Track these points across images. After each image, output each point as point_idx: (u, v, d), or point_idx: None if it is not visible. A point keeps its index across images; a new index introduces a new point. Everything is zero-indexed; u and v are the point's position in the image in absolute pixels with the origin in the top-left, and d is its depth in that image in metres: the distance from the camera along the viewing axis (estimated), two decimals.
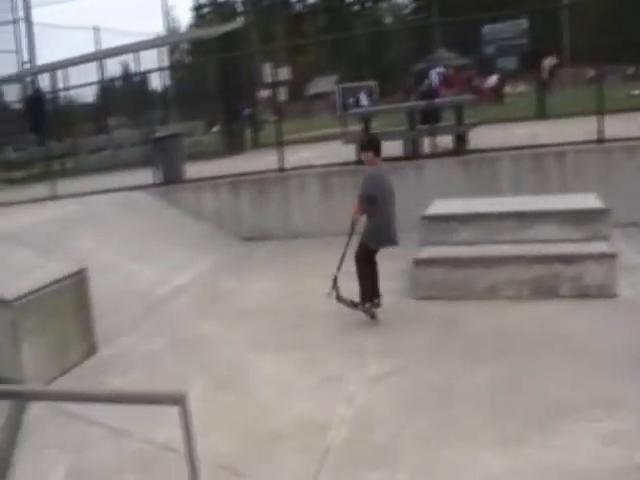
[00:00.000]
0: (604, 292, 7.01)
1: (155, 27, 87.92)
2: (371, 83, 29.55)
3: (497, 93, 26.44)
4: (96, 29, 26.65)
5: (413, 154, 11.90)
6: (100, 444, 4.89)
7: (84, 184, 13.94)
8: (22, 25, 26.32)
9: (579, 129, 11.07)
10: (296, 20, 49.57)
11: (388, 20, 54.46)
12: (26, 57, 26.14)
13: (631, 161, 10.22)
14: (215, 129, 20.97)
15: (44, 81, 22.57)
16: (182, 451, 2.98)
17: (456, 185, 10.56)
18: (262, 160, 13.22)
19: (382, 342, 6.42)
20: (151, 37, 25.41)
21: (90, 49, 24.91)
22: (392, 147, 11.94)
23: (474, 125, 12.14)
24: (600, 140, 10.52)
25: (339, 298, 7.11)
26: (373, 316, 7.08)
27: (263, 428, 4.94)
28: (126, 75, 25.20)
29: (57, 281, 6.57)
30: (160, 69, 21.70)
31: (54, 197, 13.32)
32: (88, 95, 24.27)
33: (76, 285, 6.82)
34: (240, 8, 50.96)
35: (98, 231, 9.80)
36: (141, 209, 11.64)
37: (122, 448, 4.80)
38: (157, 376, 6.01)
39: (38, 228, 8.98)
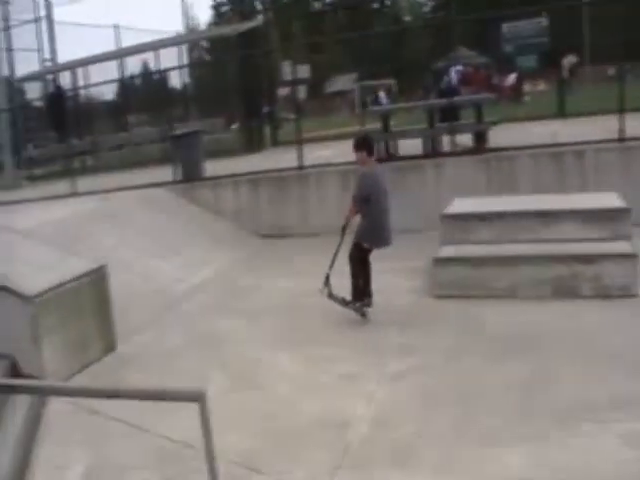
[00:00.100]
0: (625, 292, 6.96)
1: (175, 25, 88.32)
2: (390, 81, 29.49)
3: (516, 91, 26.28)
4: (116, 27, 26.71)
5: (432, 152, 11.87)
6: (119, 440, 4.92)
7: (104, 181, 14.02)
8: (43, 24, 26.47)
9: (599, 128, 11.00)
10: (315, 18, 49.62)
11: (407, 18, 54.37)
12: (47, 55, 26.26)
13: None
14: (234, 127, 21.00)
15: (65, 79, 22.74)
16: (200, 448, 3.00)
17: (475, 183, 10.52)
18: (281, 158, 13.23)
19: (401, 341, 6.41)
20: (171, 35, 25.44)
21: (110, 47, 25.00)
22: (411, 145, 11.94)
23: (494, 123, 12.09)
24: (621, 139, 10.43)
25: (331, 296, 7.17)
26: (364, 315, 7.12)
27: (281, 425, 4.95)
28: (146, 73, 25.33)
29: (77, 278, 6.60)
30: (180, 67, 21.77)
31: (74, 194, 13.40)
32: (108, 93, 24.44)
33: (96, 282, 6.85)
34: (259, 6, 51.05)
35: (118, 228, 9.86)
36: (161, 206, 11.69)
37: (141, 444, 4.83)
38: (175, 373, 6.03)
39: (58, 225, 9.04)
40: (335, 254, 7.13)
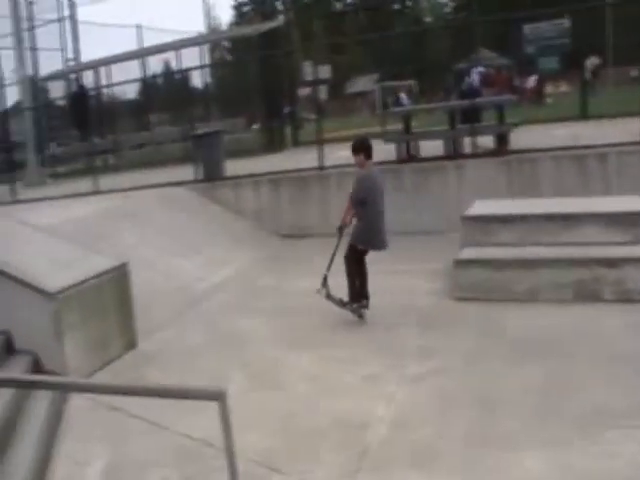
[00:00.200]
0: None
1: (196, 25, 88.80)
2: (411, 82, 29.41)
3: (537, 93, 26.12)
4: (138, 27, 26.85)
5: (454, 154, 11.83)
6: (139, 437, 4.95)
7: (126, 179, 14.12)
8: (67, 23, 26.70)
9: (622, 130, 10.90)
10: (336, 19, 49.60)
11: (428, 19, 54.22)
12: (70, 54, 26.48)
13: None
14: (255, 127, 21.04)
15: (88, 78, 22.89)
16: (220, 446, 3.01)
17: (497, 185, 10.48)
18: (302, 158, 13.24)
19: (421, 343, 6.40)
20: (192, 35, 25.52)
21: (132, 47, 25.14)
22: (433, 146, 11.90)
23: (515, 125, 12.02)
24: None
25: (329, 297, 7.23)
26: (361, 316, 7.17)
27: (301, 425, 4.96)
28: (167, 72, 25.43)
29: (99, 275, 6.66)
30: (201, 67, 21.82)
31: (96, 192, 13.49)
32: (130, 92, 24.58)
33: (117, 279, 6.90)
34: (280, 6, 51.09)
35: (139, 226, 9.92)
36: (182, 205, 11.75)
37: (161, 442, 4.85)
38: (195, 371, 6.06)
39: (80, 223, 9.11)
40: (333, 255, 7.22)
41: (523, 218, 8.03)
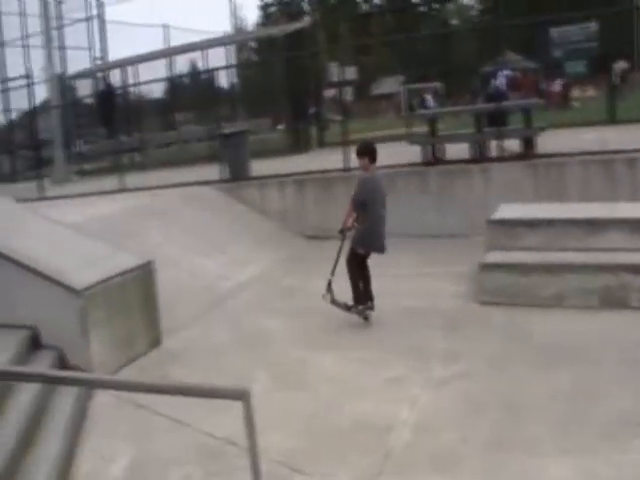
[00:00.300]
0: None
1: (223, 25, 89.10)
2: (437, 84, 29.31)
3: (564, 97, 25.91)
4: (165, 27, 27.06)
5: (480, 157, 11.77)
6: (163, 435, 4.98)
7: (152, 178, 14.21)
8: (95, 22, 26.99)
9: None
10: (362, 20, 49.53)
11: (455, 21, 53.98)
12: (98, 53, 26.76)
13: None
14: (280, 127, 21.08)
15: (115, 77, 23.10)
16: (243, 445, 3.02)
17: (523, 189, 10.42)
18: (327, 159, 13.23)
19: (446, 346, 6.37)
20: (218, 35, 25.64)
21: (159, 46, 25.32)
22: (459, 149, 11.85)
23: (542, 129, 11.92)
24: None
25: (333, 301, 7.26)
26: (366, 318, 7.19)
27: (324, 426, 4.96)
28: (194, 72, 25.58)
29: (124, 272, 6.70)
30: (227, 67, 21.93)
31: (122, 190, 13.61)
32: (157, 91, 24.77)
33: (143, 277, 6.95)
34: (306, 7, 51.15)
35: (165, 224, 9.98)
36: (207, 204, 11.80)
37: (184, 440, 4.88)
38: (219, 370, 6.08)
39: (107, 220, 9.19)
40: (336, 259, 7.28)
41: (549, 222, 7.96)
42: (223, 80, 22.75)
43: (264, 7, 61.56)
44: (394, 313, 7.27)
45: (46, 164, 18.64)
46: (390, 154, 13.20)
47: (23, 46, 25.85)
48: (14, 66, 24.20)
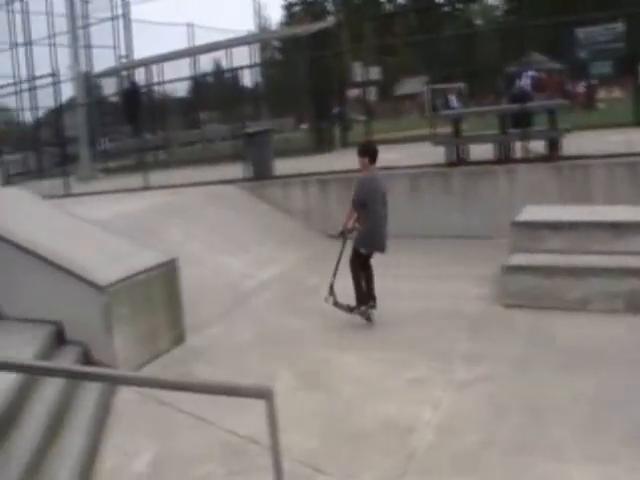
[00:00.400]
0: None
1: (247, 24, 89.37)
2: (461, 84, 29.20)
3: (589, 98, 25.68)
4: (190, 25, 27.23)
5: (504, 158, 11.70)
6: (186, 432, 5.00)
7: (176, 176, 14.28)
8: (120, 22, 27.23)
9: None
10: (386, 20, 49.43)
11: (479, 22, 53.70)
12: (123, 52, 26.98)
13: None
14: (304, 126, 21.09)
15: (140, 75, 23.25)
16: (265, 444, 3.02)
17: (547, 191, 10.34)
18: (350, 159, 13.12)
19: (469, 348, 6.34)
20: (242, 34, 25.73)
21: (184, 45, 25.48)
22: (483, 150, 11.78)
23: (568, 130, 11.83)
24: None
25: (336, 304, 7.30)
26: (369, 319, 7.22)
27: (346, 427, 4.95)
28: (218, 71, 25.67)
29: (149, 270, 6.75)
30: (251, 66, 21.98)
31: (146, 188, 13.69)
32: (181, 90, 24.90)
33: (167, 274, 6.99)
34: (330, 7, 51.19)
35: (189, 222, 10.03)
36: (231, 203, 11.85)
37: (207, 437, 4.90)
38: (242, 368, 6.10)
39: (131, 217, 9.26)
40: (338, 261, 7.33)
41: (574, 225, 7.89)
42: (247, 79, 22.84)
43: (288, 6, 61.68)
44: (417, 314, 7.25)
45: (72, 161, 18.80)
46: (414, 155, 13.22)
47: (50, 45, 26.15)
48: (41, 64, 24.49)
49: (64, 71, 20.34)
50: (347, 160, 13.28)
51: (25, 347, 5.56)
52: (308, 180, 12.48)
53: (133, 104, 20.21)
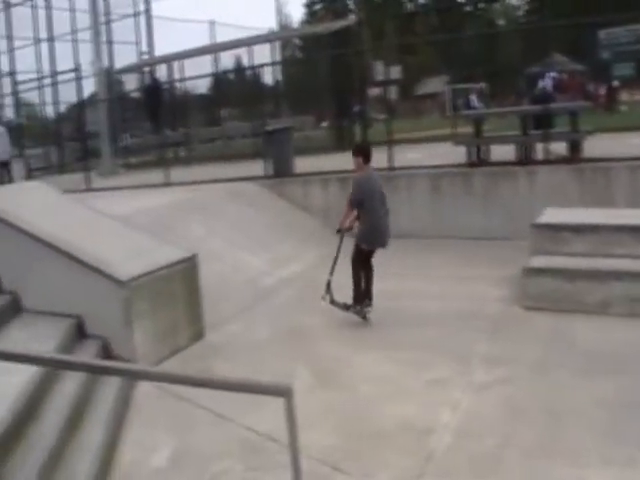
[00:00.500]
0: None
1: (268, 22, 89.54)
2: (482, 84, 29.07)
3: (611, 100, 25.49)
4: (211, 23, 27.31)
5: (525, 159, 11.64)
6: (205, 428, 5.03)
7: (196, 172, 14.35)
8: (142, 18, 27.41)
9: None
10: (407, 19, 49.34)
11: (501, 22, 53.43)
12: (145, 48, 27.14)
13: None
14: (324, 124, 21.09)
15: (161, 72, 23.38)
16: (284, 441, 3.03)
17: (569, 194, 10.27)
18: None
19: (489, 350, 6.31)
20: (264, 32, 25.78)
21: (205, 42, 25.54)
22: (504, 151, 11.73)
23: (590, 132, 11.75)
24: None
25: (332, 302, 7.39)
26: (365, 318, 7.30)
27: (365, 426, 4.95)
28: (239, 68, 25.73)
29: (169, 265, 6.78)
30: (272, 64, 22.01)
31: (167, 184, 13.75)
32: (202, 87, 24.99)
33: (187, 270, 7.02)
34: (352, 5, 51.11)
35: (209, 219, 10.06)
36: (251, 200, 11.87)
37: (226, 434, 4.92)
38: (261, 365, 6.11)
39: (152, 213, 9.31)
40: (335, 259, 7.41)
41: (595, 228, 7.83)
42: (268, 77, 22.85)
43: (309, 5, 61.64)
44: (436, 315, 7.24)
45: (93, 156, 18.94)
46: (435, 154, 13.18)
47: (72, 40, 26.39)
48: (63, 60, 24.71)
49: (86, 67, 20.51)
50: None
51: (47, 340, 5.62)
52: (328, 178, 12.48)
53: (154, 100, 20.31)
